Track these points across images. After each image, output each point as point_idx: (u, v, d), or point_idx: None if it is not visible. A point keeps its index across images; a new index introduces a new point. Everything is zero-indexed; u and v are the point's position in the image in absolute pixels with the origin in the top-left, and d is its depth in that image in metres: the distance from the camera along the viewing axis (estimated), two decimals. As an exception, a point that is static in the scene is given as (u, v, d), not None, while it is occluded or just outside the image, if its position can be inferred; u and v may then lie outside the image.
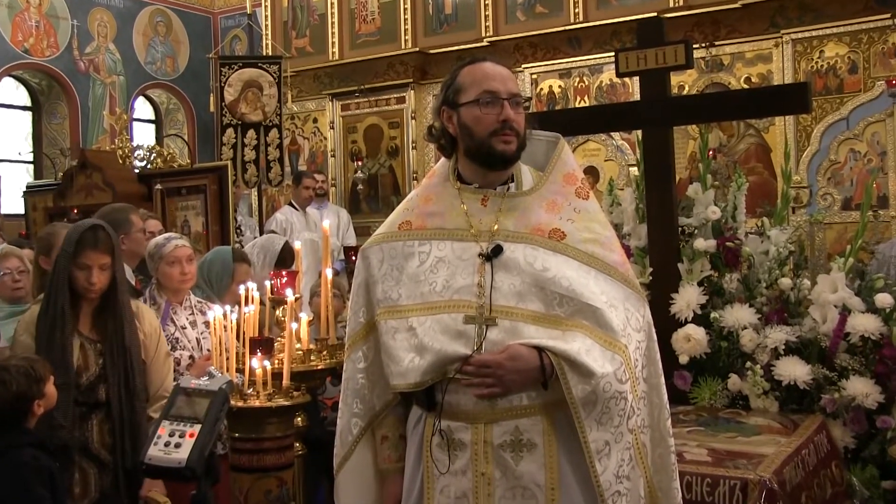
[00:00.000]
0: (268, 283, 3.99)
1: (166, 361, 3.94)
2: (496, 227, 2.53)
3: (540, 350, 2.37)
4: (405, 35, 10.66)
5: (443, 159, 2.73)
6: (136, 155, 9.34)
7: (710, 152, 6.63)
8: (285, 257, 5.64)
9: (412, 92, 10.61)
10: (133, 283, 5.23)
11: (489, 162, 2.55)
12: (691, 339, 4.04)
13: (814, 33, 8.42)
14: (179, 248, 4.48)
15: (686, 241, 4.29)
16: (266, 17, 11.70)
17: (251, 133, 9.53)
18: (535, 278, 2.44)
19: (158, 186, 8.58)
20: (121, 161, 9.17)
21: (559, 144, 2.69)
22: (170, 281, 4.45)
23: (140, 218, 5.38)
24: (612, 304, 2.45)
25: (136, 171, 9.20)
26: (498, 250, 2.49)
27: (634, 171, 6.57)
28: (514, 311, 2.42)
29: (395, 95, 10.72)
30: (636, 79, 4.95)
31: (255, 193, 11.03)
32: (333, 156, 11.16)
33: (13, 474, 3.11)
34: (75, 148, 12.34)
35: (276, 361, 3.63)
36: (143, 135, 13.94)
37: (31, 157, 13.25)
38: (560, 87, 9.70)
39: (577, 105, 9.48)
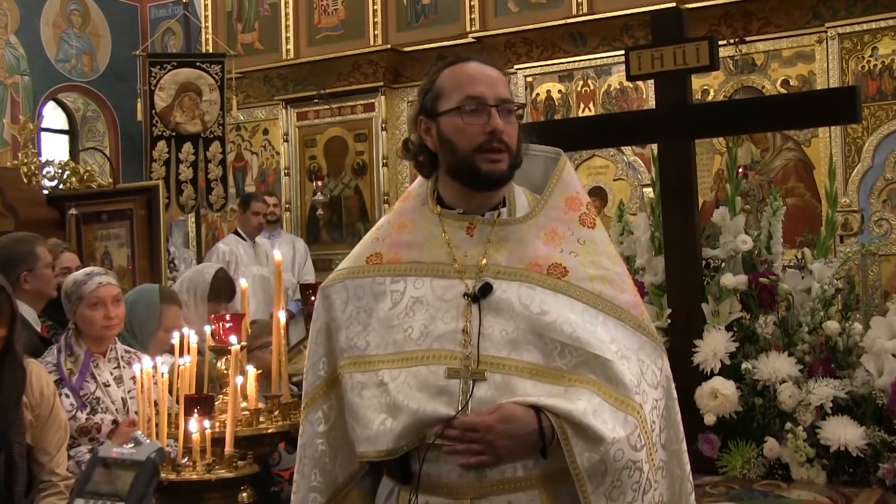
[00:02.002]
0: (207, 329, 3.98)
1: (58, 436, 3.85)
2: (484, 261, 2.55)
3: (538, 410, 2.38)
4: (374, 29, 10.71)
5: (420, 179, 2.75)
6: (44, 173, 9.32)
7: (740, 170, 6.68)
8: (220, 288, 5.62)
9: (383, 98, 10.65)
10: (38, 329, 5.21)
11: (473, 182, 2.57)
12: (719, 396, 4.05)
13: (865, 26, 8.46)
14: (104, 286, 4.47)
15: (711, 277, 4.32)
16: (206, 6, 11.73)
17: (188, 147, 9.54)
18: (532, 323, 2.46)
19: (73, 211, 8.57)
20: (25, 180, 9.13)
21: (560, 161, 2.72)
22: (91, 327, 4.43)
23: (48, 250, 5.36)
24: (623, 354, 2.47)
25: (45, 192, 9.18)
26: (487, 289, 2.50)
27: (649, 192, 6.61)
28: (506, 362, 2.43)
29: (363, 102, 10.76)
30: (651, 82, 5.00)
31: (193, 220, 11.01)
32: (288, 174, 11.17)
33: None
34: (-32, 164, 12.31)
35: (218, 424, 3.62)
36: (54, 148, 13.92)
37: (-87, 176, 13.19)
38: (560, 91, 9.77)
39: (580, 113, 9.54)
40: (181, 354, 3.76)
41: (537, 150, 2.74)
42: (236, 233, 9.70)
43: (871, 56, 8.45)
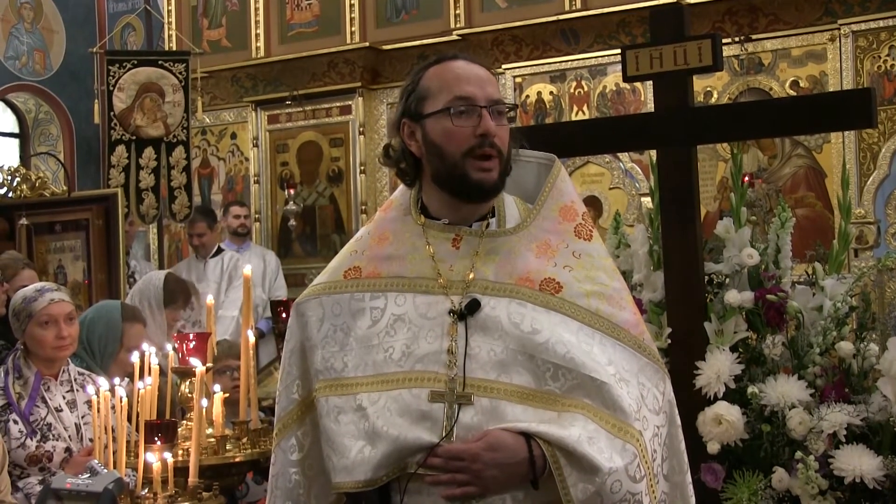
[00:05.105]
0: (169, 347, 3.98)
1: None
2: (472, 275, 2.55)
3: (528, 437, 2.38)
4: (351, 26, 10.72)
5: (402, 187, 2.75)
6: (-8, 179, 9.30)
7: (746, 178, 6.70)
8: (174, 291, 5.65)
9: (360, 99, 10.65)
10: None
11: (463, 191, 2.58)
12: (723, 422, 4.05)
13: (881, 23, 8.43)
14: (56, 303, 4.46)
15: (715, 294, 4.33)
16: (168, 0, 11.72)
17: (149, 152, 9.52)
18: (523, 343, 2.46)
19: (24, 221, 8.53)
20: (-29, 188, 9.12)
21: (554, 168, 2.72)
22: (42, 347, 4.42)
23: (5, 265, 5.35)
24: (622, 377, 2.47)
25: (-7, 200, 9.15)
26: (474, 306, 2.50)
27: (648, 202, 6.63)
28: (494, 385, 2.43)
29: (339, 104, 10.76)
30: (649, 84, 5.01)
31: (155, 231, 10.99)
32: (258, 182, 11.16)
33: None
34: (-90, 170, 12.25)
35: (181, 452, 3.61)
36: (3, 153, 13.87)
37: None
38: (552, 93, 9.78)
39: (573, 117, 9.55)
40: (142, 376, 3.75)
41: (529, 156, 2.74)
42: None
43: (887, 55, 8.43)
